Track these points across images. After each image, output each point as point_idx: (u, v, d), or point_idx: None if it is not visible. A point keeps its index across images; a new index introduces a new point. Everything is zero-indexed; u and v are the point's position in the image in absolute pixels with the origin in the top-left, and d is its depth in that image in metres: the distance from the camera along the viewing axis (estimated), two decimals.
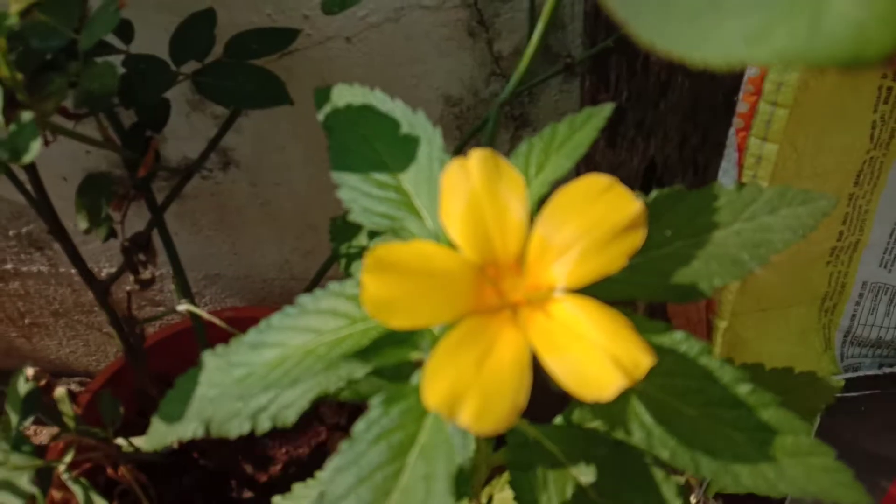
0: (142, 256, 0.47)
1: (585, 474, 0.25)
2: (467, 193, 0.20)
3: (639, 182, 0.51)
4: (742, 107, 0.42)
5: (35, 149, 0.29)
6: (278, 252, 0.74)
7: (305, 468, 0.70)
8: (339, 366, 0.22)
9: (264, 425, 0.28)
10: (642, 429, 0.20)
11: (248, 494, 0.68)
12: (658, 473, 0.24)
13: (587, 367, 0.17)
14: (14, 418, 0.39)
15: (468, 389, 0.17)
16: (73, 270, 0.79)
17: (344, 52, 0.57)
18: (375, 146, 0.27)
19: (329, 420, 0.71)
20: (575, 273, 0.19)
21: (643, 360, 0.17)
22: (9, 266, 0.78)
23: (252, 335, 0.24)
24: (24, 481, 0.36)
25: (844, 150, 0.45)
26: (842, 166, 0.46)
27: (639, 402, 0.20)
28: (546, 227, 0.20)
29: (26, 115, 0.30)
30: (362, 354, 0.22)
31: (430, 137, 0.26)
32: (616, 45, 0.45)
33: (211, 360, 0.30)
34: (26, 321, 0.86)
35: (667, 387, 0.20)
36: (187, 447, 0.61)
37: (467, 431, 0.19)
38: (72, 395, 0.60)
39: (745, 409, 0.20)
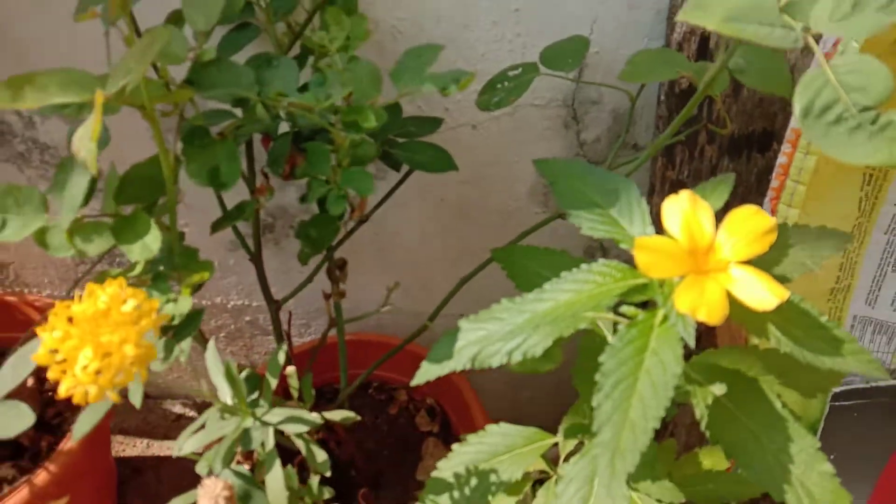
0: (338, 274, 0.64)
1: (719, 389, 0.43)
2: (681, 212, 0.38)
3: None
4: (774, 183, 0.62)
5: (371, 186, 0.47)
6: (381, 289, 0.90)
7: (402, 466, 0.84)
8: (597, 308, 0.39)
9: (517, 358, 0.44)
10: (774, 337, 0.37)
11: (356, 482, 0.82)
12: (767, 388, 0.42)
13: (757, 295, 0.35)
14: (273, 382, 0.55)
15: (700, 303, 0.35)
16: (207, 301, 0.94)
17: (468, 136, 0.76)
18: (587, 193, 0.45)
19: (423, 428, 0.86)
20: (741, 254, 0.37)
21: (784, 293, 0.35)
22: None
23: (534, 294, 0.41)
24: (310, 414, 0.51)
25: (841, 217, 0.65)
26: (839, 228, 0.66)
27: (771, 324, 0.38)
28: (724, 230, 0.38)
29: (358, 167, 0.47)
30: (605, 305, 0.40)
31: (628, 187, 0.44)
32: (685, 138, 0.65)
33: (465, 323, 0.47)
34: None
35: (783, 317, 0.38)
36: (328, 437, 0.76)
37: (692, 329, 0.36)
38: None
39: (826, 330, 0.38)
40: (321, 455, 0.56)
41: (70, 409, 0.80)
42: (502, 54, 0.68)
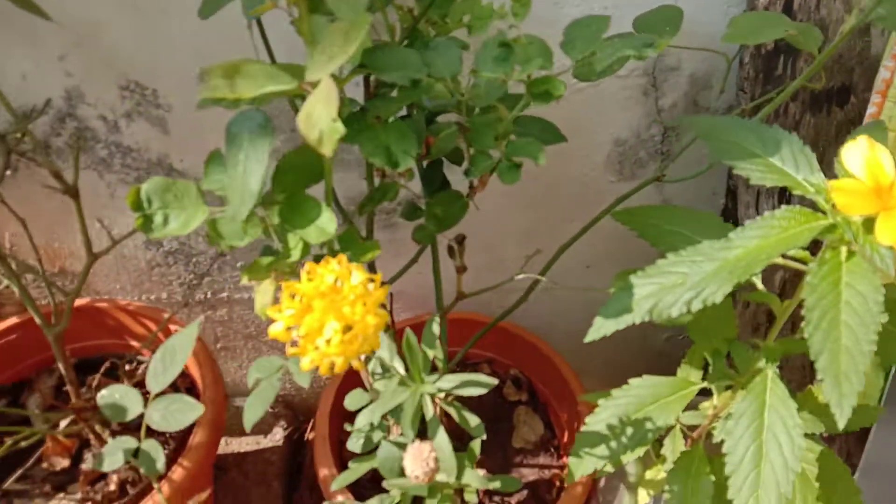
0: (458, 248, 0.66)
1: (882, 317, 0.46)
2: (862, 156, 0.41)
3: None
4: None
5: (542, 153, 0.49)
6: (453, 270, 0.93)
7: (498, 435, 0.87)
8: (787, 251, 0.42)
9: (696, 306, 0.47)
10: None
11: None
12: None
13: None
14: (430, 352, 0.57)
15: None
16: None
17: (551, 108, 0.78)
18: (745, 145, 0.48)
19: (512, 398, 0.89)
20: None
21: None
22: (224, 294, 0.94)
23: (721, 243, 0.44)
24: (485, 377, 0.53)
25: None
26: None
27: None
28: None
29: (527, 137, 0.50)
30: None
31: (788, 137, 0.47)
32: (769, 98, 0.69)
33: (636, 279, 0.49)
34: (219, 346, 1.00)
35: None
36: None
37: (889, 260, 0.40)
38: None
39: None
40: (474, 419, 0.59)
41: None
42: None
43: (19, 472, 0.70)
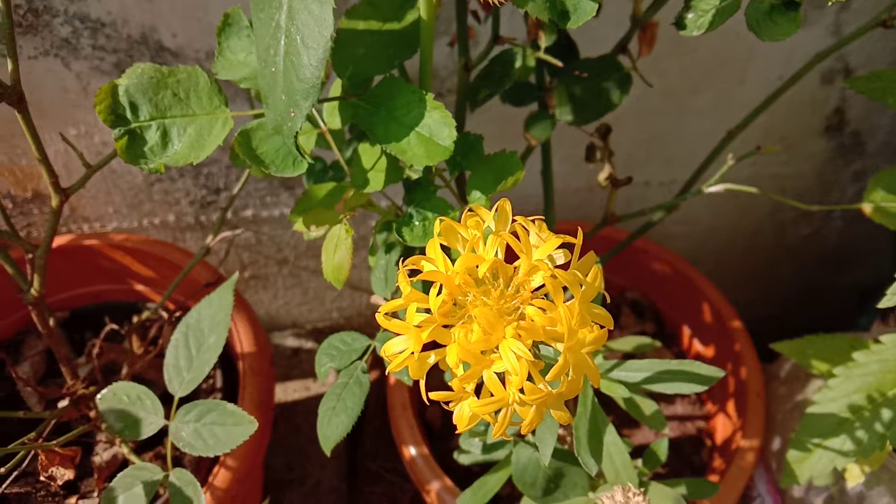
0: (603, 145, 0.44)
1: None
2: None
3: None
4: None
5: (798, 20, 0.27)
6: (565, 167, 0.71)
7: None
8: None
9: None
10: None
11: None
12: None
13: None
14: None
15: None
16: None
17: None
18: None
19: (632, 329, 0.70)
20: None
21: None
22: (248, 213, 0.73)
23: None
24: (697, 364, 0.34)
25: None
26: None
27: None
28: None
29: None
30: None
31: None
32: None
33: None
34: (246, 274, 0.81)
35: None
36: None
37: None
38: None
39: None
40: (649, 405, 0.39)
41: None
42: None
43: (14, 474, 0.52)
